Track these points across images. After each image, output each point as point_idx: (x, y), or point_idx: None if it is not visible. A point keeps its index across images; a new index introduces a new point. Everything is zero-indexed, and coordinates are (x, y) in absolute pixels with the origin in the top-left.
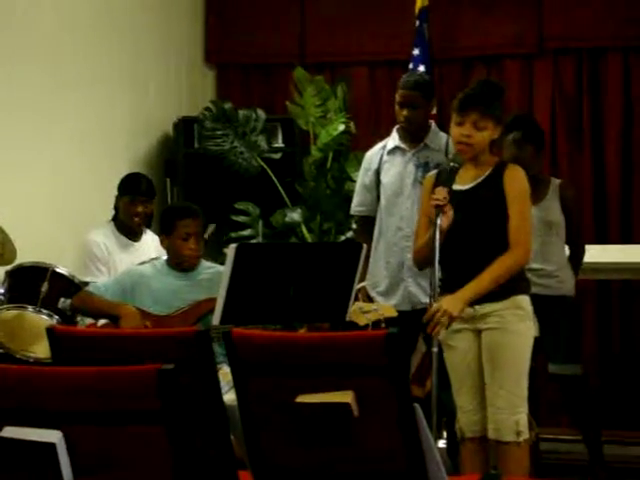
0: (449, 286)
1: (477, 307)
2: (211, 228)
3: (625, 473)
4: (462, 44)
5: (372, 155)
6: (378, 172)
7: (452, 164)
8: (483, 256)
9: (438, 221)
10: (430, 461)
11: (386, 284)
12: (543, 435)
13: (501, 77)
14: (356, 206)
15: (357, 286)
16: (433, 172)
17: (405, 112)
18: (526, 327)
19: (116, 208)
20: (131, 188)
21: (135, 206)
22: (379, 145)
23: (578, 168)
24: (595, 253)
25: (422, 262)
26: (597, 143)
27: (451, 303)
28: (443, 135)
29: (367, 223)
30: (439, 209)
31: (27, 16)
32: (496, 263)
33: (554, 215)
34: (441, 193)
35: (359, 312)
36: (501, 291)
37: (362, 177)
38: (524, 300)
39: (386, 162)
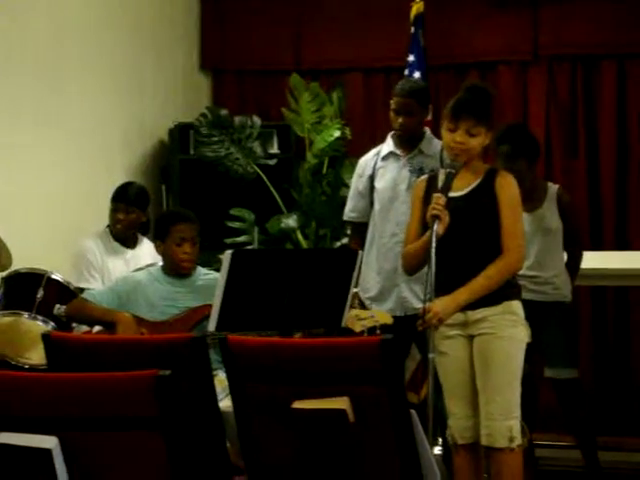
0: (442, 292)
1: (469, 313)
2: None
3: (620, 479)
4: (457, 51)
5: (366, 161)
6: (372, 178)
7: (449, 170)
8: (476, 262)
9: (435, 227)
10: (426, 468)
11: (378, 289)
12: (539, 441)
13: (496, 84)
14: (349, 212)
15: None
16: (424, 177)
17: (401, 119)
18: (518, 332)
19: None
20: (115, 195)
21: (116, 213)
22: (373, 151)
23: (573, 175)
24: (590, 259)
25: (412, 267)
26: (592, 150)
27: (442, 305)
28: (437, 142)
29: (360, 229)
30: (436, 216)
31: (23, 22)
32: (489, 268)
33: (552, 222)
34: (440, 200)
35: (355, 319)
36: (493, 296)
37: (355, 183)
38: (516, 305)
39: (380, 168)
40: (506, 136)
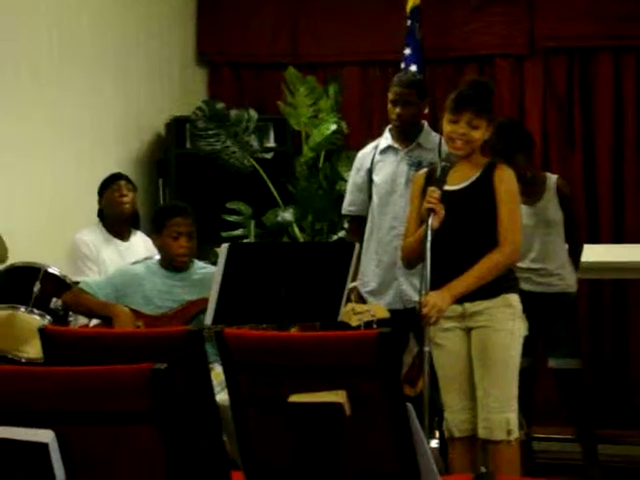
0: (439, 285)
1: (467, 305)
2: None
3: (620, 473)
4: (453, 44)
5: (364, 155)
6: (370, 171)
7: (444, 163)
8: (473, 255)
9: (430, 220)
10: (423, 461)
11: (377, 283)
12: (537, 434)
13: (492, 77)
14: (348, 206)
15: (349, 286)
16: (423, 170)
17: (398, 110)
18: (516, 325)
19: (100, 210)
20: (110, 179)
21: (120, 190)
22: (371, 145)
23: (569, 168)
24: (587, 252)
25: (410, 260)
26: (588, 143)
27: (439, 297)
28: (436, 135)
29: (359, 223)
30: (431, 210)
31: (18, 16)
32: (484, 260)
33: (552, 214)
34: (435, 193)
35: (351, 313)
36: (491, 289)
37: (354, 177)
38: (514, 298)
39: (379, 161)
40: (498, 134)
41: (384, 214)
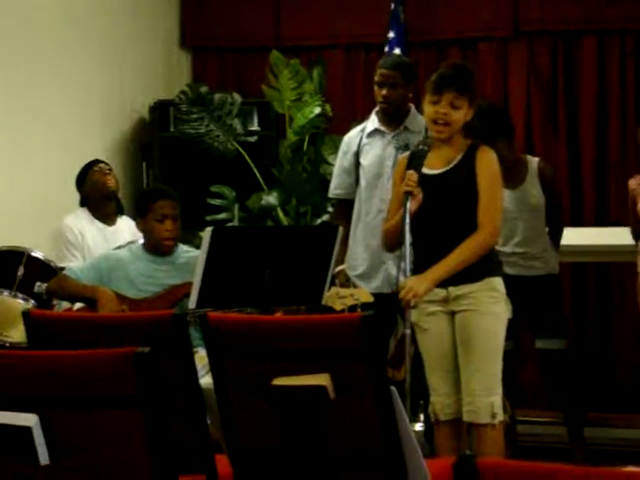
0: (421, 269)
1: (451, 288)
2: None
3: (604, 455)
4: (437, 27)
5: (351, 138)
6: (357, 155)
7: (422, 147)
8: (455, 238)
9: (408, 204)
10: (407, 444)
11: (366, 267)
12: (520, 417)
13: (476, 60)
14: (334, 189)
15: (336, 269)
16: (406, 154)
17: (384, 91)
18: (500, 309)
19: (84, 198)
20: (88, 165)
21: (102, 171)
22: (358, 128)
23: (553, 151)
24: (571, 235)
25: (391, 244)
26: (572, 126)
27: (417, 281)
28: (422, 118)
29: (345, 206)
30: (409, 193)
31: (1, 5)
32: (464, 243)
33: (534, 198)
34: (412, 177)
35: (335, 297)
36: (475, 273)
37: (341, 160)
38: (497, 282)
39: (366, 145)
40: (478, 118)
41: (371, 197)
